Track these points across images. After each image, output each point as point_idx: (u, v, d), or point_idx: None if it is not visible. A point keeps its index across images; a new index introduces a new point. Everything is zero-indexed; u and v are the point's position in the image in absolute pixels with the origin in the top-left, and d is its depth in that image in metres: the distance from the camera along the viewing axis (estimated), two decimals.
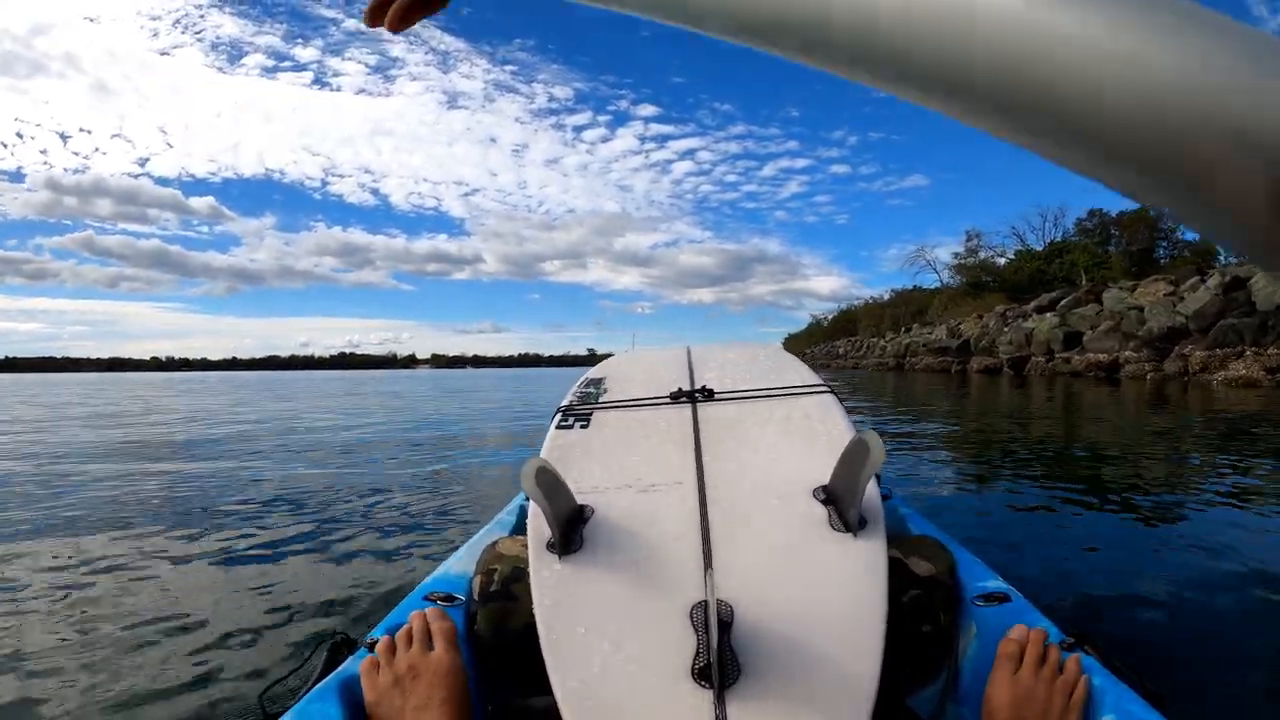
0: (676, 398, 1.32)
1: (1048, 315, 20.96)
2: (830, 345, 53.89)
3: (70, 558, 2.64)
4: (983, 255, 39.87)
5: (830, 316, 67.99)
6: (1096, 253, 33.28)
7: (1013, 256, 38.08)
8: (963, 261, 40.44)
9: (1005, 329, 22.67)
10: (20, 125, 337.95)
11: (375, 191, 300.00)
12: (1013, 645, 0.91)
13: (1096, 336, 17.29)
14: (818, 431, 1.17)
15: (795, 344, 68.73)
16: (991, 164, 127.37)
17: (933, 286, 44.47)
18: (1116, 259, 31.55)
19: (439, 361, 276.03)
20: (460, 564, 1.24)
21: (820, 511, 0.96)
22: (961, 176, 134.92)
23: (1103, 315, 18.18)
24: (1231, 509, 3.10)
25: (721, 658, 0.71)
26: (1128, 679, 0.88)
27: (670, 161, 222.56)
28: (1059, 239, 36.93)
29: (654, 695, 0.73)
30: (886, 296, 50.16)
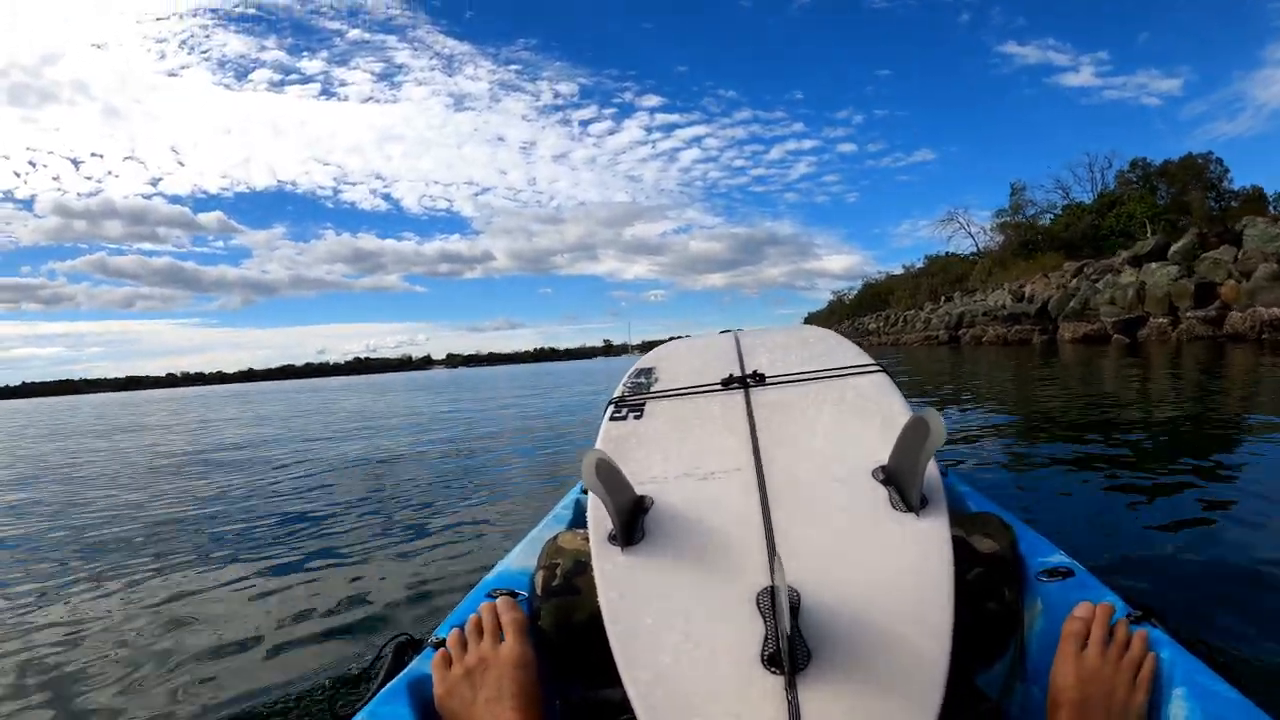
0: (728, 384, 1.30)
1: (1154, 266, 16.64)
2: (857, 322, 49.63)
3: (130, 573, 2.73)
4: (1029, 213, 35.49)
5: (853, 292, 63.79)
6: (1153, 203, 29.42)
7: (1060, 212, 33.87)
8: (1008, 220, 36.00)
9: (1098, 287, 18.33)
10: (32, 154, 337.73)
11: (387, 197, 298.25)
12: (1078, 623, 0.90)
13: (1263, 284, 12.88)
14: (873, 411, 1.16)
15: (817, 323, 65.47)
16: (992, 137, 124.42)
17: (968, 252, 40.29)
18: (1198, 200, 27.40)
19: (454, 361, 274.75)
20: (520, 560, 1.23)
21: (881, 492, 0.96)
22: (966, 150, 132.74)
23: (1247, 258, 13.88)
24: None
25: (792, 643, 0.70)
26: (1196, 650, 0.87)
27: (678, 150, 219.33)
28: (1106, 190, 33.39)
29: (725, 683, 0.73)
30: (919, 265, 45.97)
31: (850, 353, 1.42)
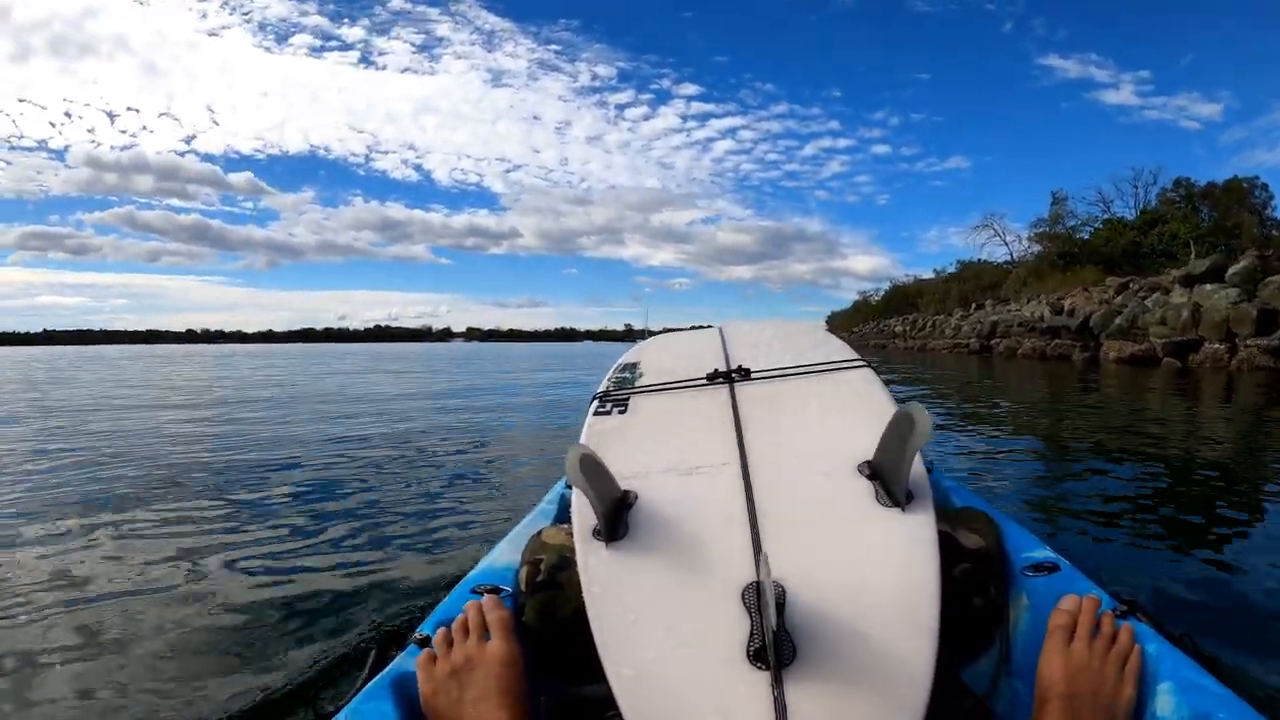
0: (713, 378, 1.30)
1: (1209, 288, 15.68)
2: (882, 324, 48.64)
3: (106, 554, 2.61)
4: (1069, 224, 34.41)
5: (879, 294, 62.66)
6: (1196, 224, 28.55)
7: (1100, 226, 32.83)
8: (1046, 230, 34.93)
9: (1147, 306, 17.38)
10: (69, 105, 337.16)
11: (418, 167, 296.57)
12: (1065, 616, 0.90)
13: None
14: (858, 406, 1.16)
15: (841, 322, 65.68)
16: (1028, 148, 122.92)
17: (1001, 260, 39.26)
18: (1248, 223, 26.33)
19: (474, 335, 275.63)
20: (505, 555, 1.22)
21: (867, 487, 0.95)
22: (1001, 160, 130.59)
23: None
24: None
25: (777, 639, 0.70)
26: (1181, 644, 0.87)
27: (712, 139, 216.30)
28: (1148, 206, 32.35)
29: (710, 679, 0.73)
30: (951, 269, 44.79)
31: (836, 348, 1.41)
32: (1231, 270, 15.75)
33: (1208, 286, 15.88)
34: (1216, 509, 3.12)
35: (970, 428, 6.12)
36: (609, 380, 1.40)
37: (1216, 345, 14.15)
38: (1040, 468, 4.38)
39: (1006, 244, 39.33)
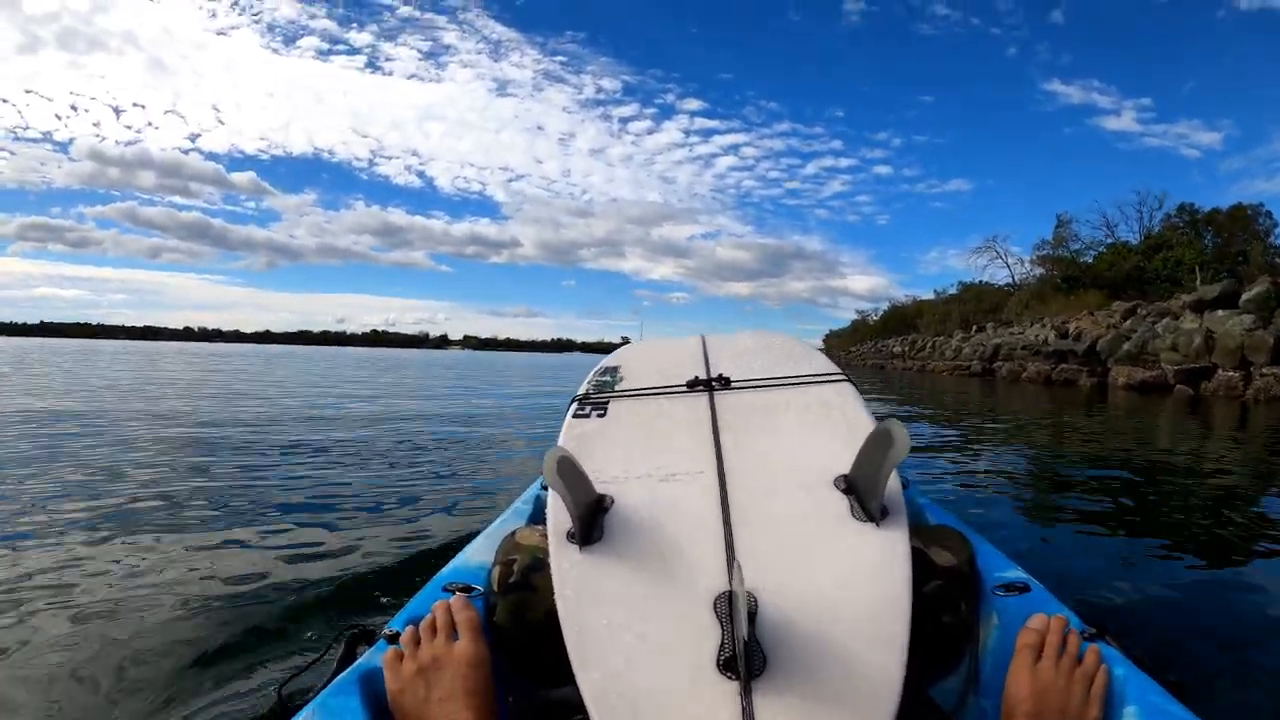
0: (693, 386, 1.29)
1: (1222, 314, 15.22)
2: (880, 344, 48.26)
3: (79, 544, 2.55)
4: (1073, 247, 34.11)
5: (878, 313, 62.35)
6: (1200, 250, 28.15)
7: (1104, 250, 32.52)
8: (1051, 253, 34.61)
9: (1157, 331, 16.90)
10: (75, 99, 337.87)
11: (421, 174, 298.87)
12: (1033, 635, 0.90)
13: None
14: (836, 420, 1.16)
15: (839, 342, 65.14)
16: (1028, 173, 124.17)
17: (1003, 282, 39.00)
18: (1256, 249, 25.96)
19: (471, 343, 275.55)
20: (478, 554, 1.21)
21: (842, 501, 0.95)
22: (1002, 184, 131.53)
23: None
24: None
25: (748, 649, 0.70)
26: (1149, 669, 0.87)
27: (714, 155, 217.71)
28: (1152, 231, 31.96)
29: (679, 687, 0.73)
30: (951, 290, 44.43)
31: (817, 361, 1.41)
32: (1245, 296, 15.29)
33: (1220, 313, 15.43)
34: (1203, 538, 3.10)
35: (969, 449, 5.85)
36: (589, 383, 1.38)
37: (1230, 373, 13.66)
38: (1034, 489, 4.33)
39: (1008, 266, 39.13)
